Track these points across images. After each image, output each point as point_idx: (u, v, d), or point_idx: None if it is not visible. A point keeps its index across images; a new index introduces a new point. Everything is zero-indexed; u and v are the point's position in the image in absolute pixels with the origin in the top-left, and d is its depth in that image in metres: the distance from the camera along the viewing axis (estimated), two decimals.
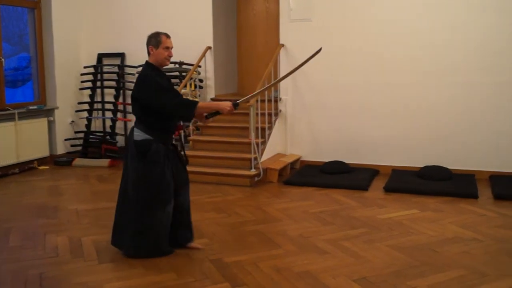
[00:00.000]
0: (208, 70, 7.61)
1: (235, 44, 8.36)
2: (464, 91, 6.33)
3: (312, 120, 7.03)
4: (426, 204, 5.30)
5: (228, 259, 3.88)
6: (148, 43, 3.86)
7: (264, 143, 6.68)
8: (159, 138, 3.87)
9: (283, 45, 7.06)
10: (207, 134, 7.15)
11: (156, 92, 3.76)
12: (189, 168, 6.49)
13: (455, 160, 6.39)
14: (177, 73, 7.56)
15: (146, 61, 3.91)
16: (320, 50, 4.29)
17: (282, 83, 7.06)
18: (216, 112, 3.93)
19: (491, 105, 6.25)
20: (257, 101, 6.41)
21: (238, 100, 3.95)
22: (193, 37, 7.54)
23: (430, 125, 6.50)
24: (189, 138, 7.03)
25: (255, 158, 6.31)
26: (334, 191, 5.85)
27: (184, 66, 7.55)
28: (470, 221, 4.73)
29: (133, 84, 3.95)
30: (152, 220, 3.84)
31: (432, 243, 4.17)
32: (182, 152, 4.21)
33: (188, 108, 3.80)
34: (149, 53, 3.88)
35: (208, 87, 7.69)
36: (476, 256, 3.89)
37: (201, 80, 7.60)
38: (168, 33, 3.89)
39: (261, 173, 6.26)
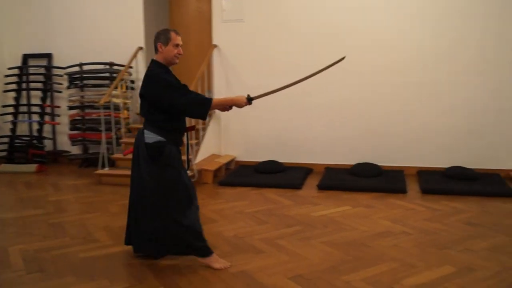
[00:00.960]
0: (140, 71, 7.46)
1: None
2: (393, 90, 6.55)
3: (246, 120, 7.05)
4: (358, 200, 5.44)
5: (163, 263, 3.81)
6: (157, 40, 3.67)
7: (198, 144, 6.63)
8: (171, 139, 3.69)
9: (216, 46, 7.04)
10: None
11: (165, 89, 3.58)
12: (120, 172, 6.38)
13: (385, 157, 6.62)
14: (107, 74, 7.37)
15: (153, 60, 3.74)
16: (343, 58, 4.20)
17: (215, 84, 7.05)
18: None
19: (418, 104, 6.50)
20: None
21: (252, 95, 3.83)
22: (124, 37, 7.38)
23: (362, 124, 6.69)
24: (120, 140, 6.87)
25: (189, 160, 6.24)
26: (268, 190, 5.90)
27: (115, 67, 7.38)
28: (400, 215, 4.90)
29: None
30: (181, 224, 3.66)
31: (364, 238, 4.28)
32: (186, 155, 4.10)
33: (203, 106, 3.63)
34: (157, 51, 3.69)
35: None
36: (406, 249, 4.03)
37: (132, 81, 7.45)
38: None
39: (196, 175, 6.21)
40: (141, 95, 3.69)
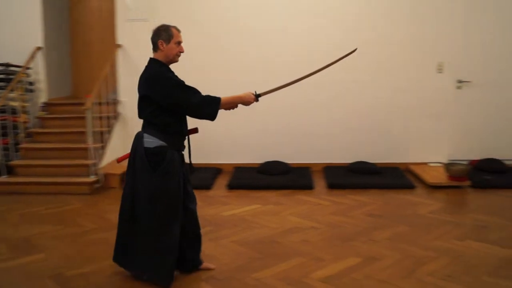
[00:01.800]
0: (39, 72, 7.10)
1: (68, 43, 7.91)
2: (300, 89, 6.67)
3: None
4: (267, 198, 5.51)
5: (70, 272, 3.65)
6: (157, 37, 3.39)
7: (103, 147, 6.42)
8: (173, 144, 3.41)
9: (120, 46, 6.84)
10: (40, 141, 6.65)
11: (174, 89, 3.30)
12: (21, 179, 6.02)
13: (293, 155, 6.77)
14: (3, 76, 6.94)
15: (152, 58, 3.45)
16: (355, 50, 4.08)
17: (121, 85, 6.85)
18: None
19: (324, 103, 6.70)
20: (93, 104, 6.14)
21: (259, 92, 3.65)
22: (21, 36, 6.99)
23: (269, 123, 6.78)
24: (19, 146, 6.49)
25: (94, 164, 6.04)
26: None
27: (11, 68, 6.95)
28: (308, 211, 5.03)
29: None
30: (169, 238, 3.36)
31: (274, 235, 4.35)
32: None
33: (213, 105, 3.38)
34: (157, 48, 3.41)
35: (40, 91, 7.18)
36: (314, 243, 4.14)
37: (31, 83, 7.07)
38: None
39: (102, 179, 6.01)
40: (142, 97, 3.37)
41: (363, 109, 6.70)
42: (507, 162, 6.59)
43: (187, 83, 3.34)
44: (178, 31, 3.45)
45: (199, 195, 5.56)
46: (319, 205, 5.24)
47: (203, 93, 3.39)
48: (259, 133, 6.81)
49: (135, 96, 3.41)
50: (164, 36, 3.37)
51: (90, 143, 5.99)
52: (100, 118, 6.41)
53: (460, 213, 4.95)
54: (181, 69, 6.58)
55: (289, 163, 6.64)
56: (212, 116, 3.39)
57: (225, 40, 6.72)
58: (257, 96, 3.59)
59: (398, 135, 6.74)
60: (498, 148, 6.74)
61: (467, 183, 5.87)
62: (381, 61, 6.60)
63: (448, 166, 6.00)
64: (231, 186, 5.95)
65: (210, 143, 6.83)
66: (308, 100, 6.72)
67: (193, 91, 3.36)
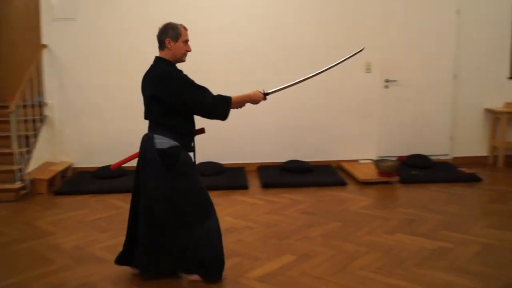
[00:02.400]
0: None
1: None
2: (233, 89, 6.66)
3: (83, 124, 6.69)
4: None
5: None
6: (165, 35, 3.29)
7: (29, 152, 6.15)
8: (184, 144, 3.34)
9: (46, 46, 6.58)
10: None
11: (186, 89, 3.22)
12: None
13: (227, 155, 6.76)
14: None
15: (158, 57, 3.35)
16: (362, 49, 4.08)
17: (47, 87, 6.59)
18: None
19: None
20: (18, 106, 5.88)
21: (267, 90, 3.65)
22: None
23: (202, 124, 6.70)
24: None
25: (20, 169, 5.78)
26: (110, 196, 5.68)
27: None
28: (243, 210, 5.04)
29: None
30: (196, 237, 3.31)
31: None
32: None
33: (225, 105, 3.32)
34: (164, 47, 3.32)
35: None
36: (249, 243, 4.16)
37: None
38: None
39: (28, 185, 5.76)
40: (152, 97, 3.27)
41: (295, 108, 6.79)
42: (433, 158, 6.89)
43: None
44: (185, 29, 3.39)
45: (129, 199, 5.47)
46: (254, 204, 5.26)
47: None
48: None
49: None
50: (171, 34, 3.31)
51: (15, 148, 5.73)
52: (26, 121, 6.14)
53: (389, 208, 5.12)
54: (113, 68, 6.49)
55: (223, 164, 6.63)
56: (224, 116, 3.37)
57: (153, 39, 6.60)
58: (265, 95, 3.60)
59: (330, 134, 6.89)
60: (424, 144, 7.04)
61: (396, 178, 6.09)
62: (312, 61, 6.69)
63: (378, 162, 6.20)
64: None
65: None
66: None
67: (204, 90, 3.30)
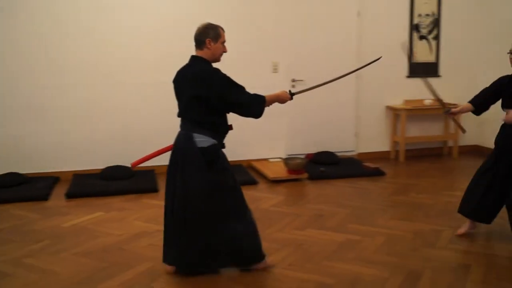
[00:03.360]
0: None
1: None
2: (120, 90, 6.51)
3: None
4: (110, 204, 5.30)
5: None
6: (206, 36, 3.38)
7: None
8: (220, 141, 3.49)
9: None
10: None
11: (232, 88, 3.35)
12: None
13: (135, 158, 6.52)
14: None
15: (197, 56, 3.44)
16: (379, 58, 4.19)
17: None
18: None
19: (162, 104, 6.60)
20: None
21: (294, 91, 3.77)
22: None
23: (109, 126, 6.52)
24: None
25: None
26: (11, 206, 5.32)
27: None
28: (153, 214, 4.93)
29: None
30: (241, 228, 3.47)
31: (119, 242, 4.20)
32: None
33: (261, 104, 3.45)
34: (204, 47, 3.40)
35: None
36: (161, 247, 4.05)
37: None
38: None
39: None
40: (195, 97, 3.34)
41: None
42: (339, 154, 7.14)
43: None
44: (223, 31, 3.49)
45: (35, 207, 5.21)
46: (160, 207, 5.15)
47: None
48: (98, 137, 6.49)
49: None
50: (212, 34, 3.40)
51: None
52: None
53: (299, 204, 5.23)
54: (7, 72, 6.11)
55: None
56: (259, 115, 3.49)
57: (50, 40, 6.32)
58: (291, 94, 3.71)
59: (240, 134, 6.83)
60: (331, 141, 7.28)
61: (305, 175, 6.24)
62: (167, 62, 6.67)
63: (287, 160, 6.32)
64: (70, 195, 5.60)
65: (44, 150, 6.35)
66: (144, 100, 6.58)
67: (243, 89, 3.41)
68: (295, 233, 4.38)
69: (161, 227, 4.46)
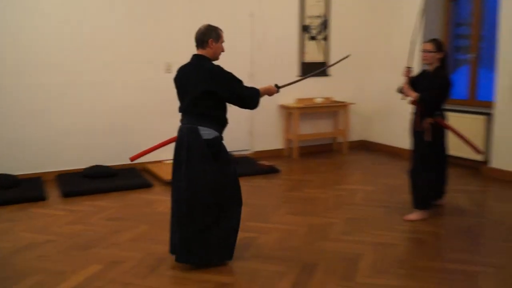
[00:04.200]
0: None
1: None
2: (27, 91, 6.15)
3: None
4: None
5: None
6: (208, 36, 3.65)
7: None
8: (221, 133, 3.70)
9: None
10: None
11: (235, 83, 3.64)
12: None
13: (21, 165, 6.17)
14: None
15: (201, 55, 3.69)
16: (348, 56, 4.71)
17: None
18: None
19: (50, 106, 6.27)
20: None
21: (279, 84, 4.06)
22: None
23: None
24: None
25: None
26: None
27: None
28: (42, 224, 4.66)
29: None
30: (234, 222, 3.68)
31: (5, 256, 3.91)
32: None
33: (257, 96, 3.76)
34: (206, 46, 3.67)
35: None
36: (52, 257, 3.86)
37: None
38: None
39: None
40: (204, 92, 3.55)
41: (93, 110, 6.48)
42: (235, 153, 7.15)
43: None
44: (222, 32, 3.75)
45: None
46: (54, 216, 4.90)
47: None
48: None
49: None
50: (214, 35, 3.66)
51: None
52: None
53: None
54: None
55: (17, 175, 6.03)
56: (257, 106, 3.80)
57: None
58: (278, 88, 4.01)
59: (132, 136, 6.74)
60: (227, 140, 7.05)
61: None
62: (111, 61, 6.50)
63: None
64: None
65: None
66: (37, 103, 6.21)
67: (242, 83, 3.70)
68: None
69: (51, 237, 4.29)
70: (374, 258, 3.80)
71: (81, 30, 6.32)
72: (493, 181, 6.06)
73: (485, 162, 6.47)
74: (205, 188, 3.54)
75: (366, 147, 8.30)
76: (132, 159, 4.10)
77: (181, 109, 3.72)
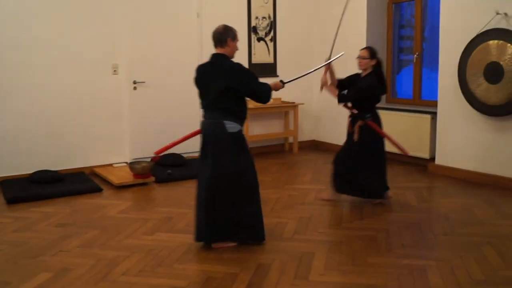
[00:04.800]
0: None
1: None
2: None
3: None
4: None
5: None
6: (227, 35, 3.91)
7: None
8: (242, 127, 3.99)
9: None
10: None
11: (253, 79, 3.93)
12: None
13: None
14: None
15: (221, 54, 3.94)
16: (342, 54, 4.89)
17: None
18: None
19: None
20: None
21: (285, 80, 4.30)
22: None
23: None
24: None
25: None
26: None
27: None
28: None
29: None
30: (258, 204, 4.04)
31: None
32: None
33: (270, 91, 4.04)
34: (225, 45, 3.93)
35: None
36: None
37: None
38: None
39: None
40: (227, 88, 3.81)
41: (37, 114, 6.28)
42: (185, 155, 7.13)
43: None
44: (237, 31, 4.03)
45: None
46: None
47: None
48: None
49: None
50: (231, 34, 3.94)
51: None
52: None
53: (147, 209, 5.14)
54: None
55: None
56: (268, 100, 4.09)
57: None
58: (283, 83, 4.24)
59: (79, 139, 6.59)
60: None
61: (152, 179, 6.15)
62: (54, 62, 6.33)
63: (132, 164, 6.17)
64: None
65: None
66: None
67: (257, 78, 3.98)
68: (144, 238, 4.29)
69: None
70: (326, 256, 3.86)
71: (20, 30, 6.13)
72: (438, 178, 6.27)
73: (431, 160, 6.69)
74: (231, 177, 3.90)
75: (316, 146, 8.42)
76: (156, 153, 4.37)
77: (203, 105, 4.03)
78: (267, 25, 7.92)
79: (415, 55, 7.17)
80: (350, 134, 5.14)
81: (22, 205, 5.31)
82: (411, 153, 6.80)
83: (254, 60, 7.82)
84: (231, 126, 3.88)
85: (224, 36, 3.93)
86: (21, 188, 5.73)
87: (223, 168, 3.87)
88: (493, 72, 5.68)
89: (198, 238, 4.00)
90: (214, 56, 3.98)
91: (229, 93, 3.84)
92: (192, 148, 7.40)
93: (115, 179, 6.07)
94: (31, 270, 3.65)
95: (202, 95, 4.02)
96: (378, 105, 5.13)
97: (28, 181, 6.01)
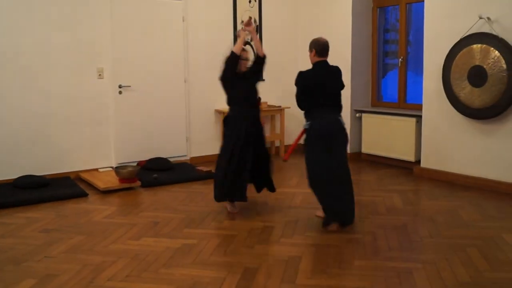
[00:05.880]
0: None
1: None
2: None
3: None
4: None
5: None
6: (311, 49, 4.61)
7: None
8: None
9: None
10: None
11: None
12: None
13: None
14: None
15: (327, 61, 4.60)
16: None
17: None
18: None
19: None
20: None
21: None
22: None
23: None
24: None
25: None
26: None
27: None
28: None
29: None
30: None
31: None
32: None
33: None
34: (328, 54, 4.59)
35: None
36: None
37: None
38: None
39: None
40: (341, 88, 4.63)
41: (21, 119, 6.22)
42: (172, 159, 7.11)
43: None
44: None
45: None
46: None
47: None
48: None
49: None
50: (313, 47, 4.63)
51: None
52: None
53: (133, 214, 5.10)
54: None
55: None
56: None
57: None
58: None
59: (64, 144, 6.53)
60: (163, 147, 7.21)
61: (138, 183, 6.11)
62: (38, 66, 6.27)
63: (118, 169, 6.13)
64: None
65: None
66: None
67: None
68: (130, 243, 4.26)
69: None
70: (313, 259, 3.87)
71: (2, 35, 6.07)
72: (424, 181, 6.32)
73: (417, 163, 6.73)
74: (346, 163, 4.58)
75: (303, 150, 8.42)
76: (286, 158, 5.22)
77: (318, 104, 4.50)
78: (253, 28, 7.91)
79: (400, 59, 7.23)
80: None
81: (7, 210, 5.25)
82: (397, 156, 6.89)
83: None
84: (343, 121, 4.63)
85: (328, 48, 4.59)
86: (6, 194, 5.66)
87: (344, 158, 4.59)
88: (477, 76, 5.75)
89: (351, 220, 4.59)
90: (324, 62, 4.58)
91: (339, 94, 4.63)
92: (178, 152, 7.40)
93: (101, 183, 6.02)
94: (16, 277, 3.61)
95: (315, 96, 4.51)
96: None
97: (13, 186, 5.94)
